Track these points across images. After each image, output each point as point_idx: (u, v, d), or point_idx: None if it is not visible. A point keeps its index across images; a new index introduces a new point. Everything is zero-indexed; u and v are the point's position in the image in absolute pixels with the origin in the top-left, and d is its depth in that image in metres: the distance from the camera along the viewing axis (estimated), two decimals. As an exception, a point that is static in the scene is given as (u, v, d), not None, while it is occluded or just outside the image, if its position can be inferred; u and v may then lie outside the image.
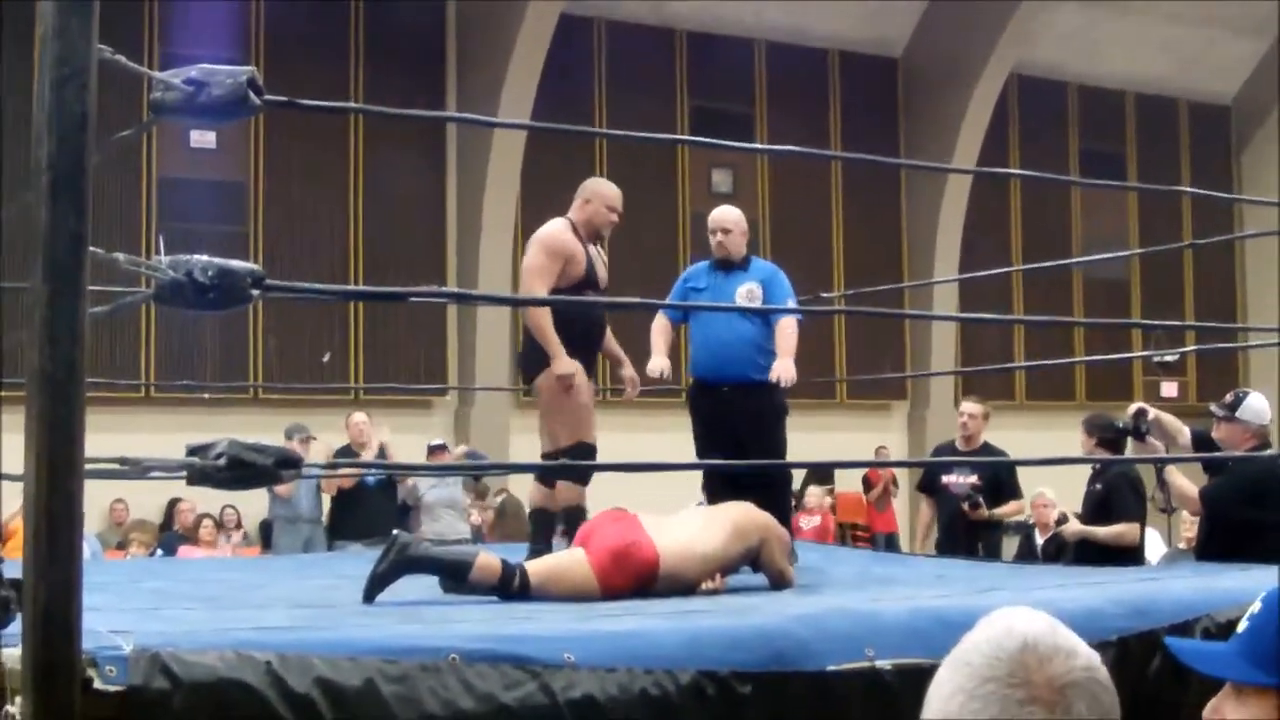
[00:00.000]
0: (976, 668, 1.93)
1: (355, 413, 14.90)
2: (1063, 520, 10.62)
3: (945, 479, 11.77)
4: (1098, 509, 10.38)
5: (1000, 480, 11.68)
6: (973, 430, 11.75)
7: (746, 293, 8.65)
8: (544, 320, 7.93)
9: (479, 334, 19.65)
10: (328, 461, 13.26)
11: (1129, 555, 10.19)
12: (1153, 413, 9.16)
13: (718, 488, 8.41)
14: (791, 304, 8.91)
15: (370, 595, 6.02)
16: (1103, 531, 10.22)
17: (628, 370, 8.84)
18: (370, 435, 14.44)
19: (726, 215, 8.96)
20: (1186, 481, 9.01)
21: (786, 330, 8.67)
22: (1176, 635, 5.02)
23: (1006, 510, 11.90)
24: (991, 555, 11.50)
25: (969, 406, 11.92)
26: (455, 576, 6.19)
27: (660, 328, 9.01)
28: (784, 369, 8.50)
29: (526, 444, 18.93)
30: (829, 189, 22.74)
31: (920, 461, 19.32)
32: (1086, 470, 10.83)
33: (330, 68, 19.18)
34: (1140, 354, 21.61)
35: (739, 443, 8.46)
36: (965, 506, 11.46)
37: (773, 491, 8.36)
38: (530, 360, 8.14)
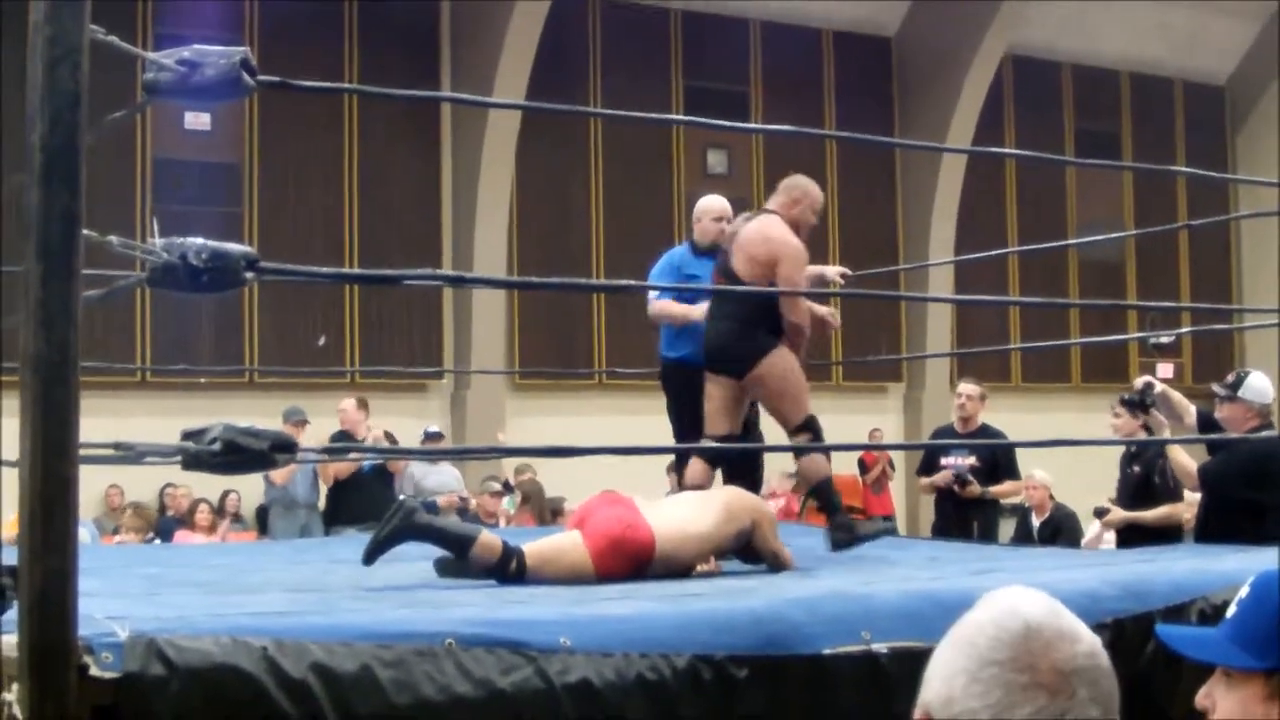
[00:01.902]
0: (980, 649, 1.93)
1: (344, 399, 14.63)
2: (1103, 512, 10.51)
3: (944, 461, 11.78)
4: (1138, 491, 10.27)
5: (998, 461, 11.67)
6: (970, 412, 11.75)
7: None
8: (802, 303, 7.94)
9: (474, 317, 19.66)
10: (322, 446, 13.17)
11: (1174, 536, 10.11)
12: (1159, 387, 9.16)
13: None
14: None
15: (370, 558, 6.03)
16: (1151, 515, 10.11)
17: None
18: (359, 421, 14.29)
19: (728, 204, 8.97)
20: (1187, 458, 9.01)
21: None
22: (1172, 618, 5.02)
23: (1003, 489, 11.90)
24: (987, 535, 11.53)
25: (966, 388, 11.90)
26: (457, 549, 6.18)
27: (668, 305, 8.73)
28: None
29: (522, 428, 19.08)
30: (824, 170, 22.70)
31: (920, 444, 19.31)
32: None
33: (324, 50, 19.16)
34: (1135, 335, 21.67)
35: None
36: (955, 486, 11.51)
37: (755, 469, 8.40)
38: (739, 353, 7.94)
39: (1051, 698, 1.89)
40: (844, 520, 7.95)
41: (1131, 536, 10.05)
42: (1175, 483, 9.97)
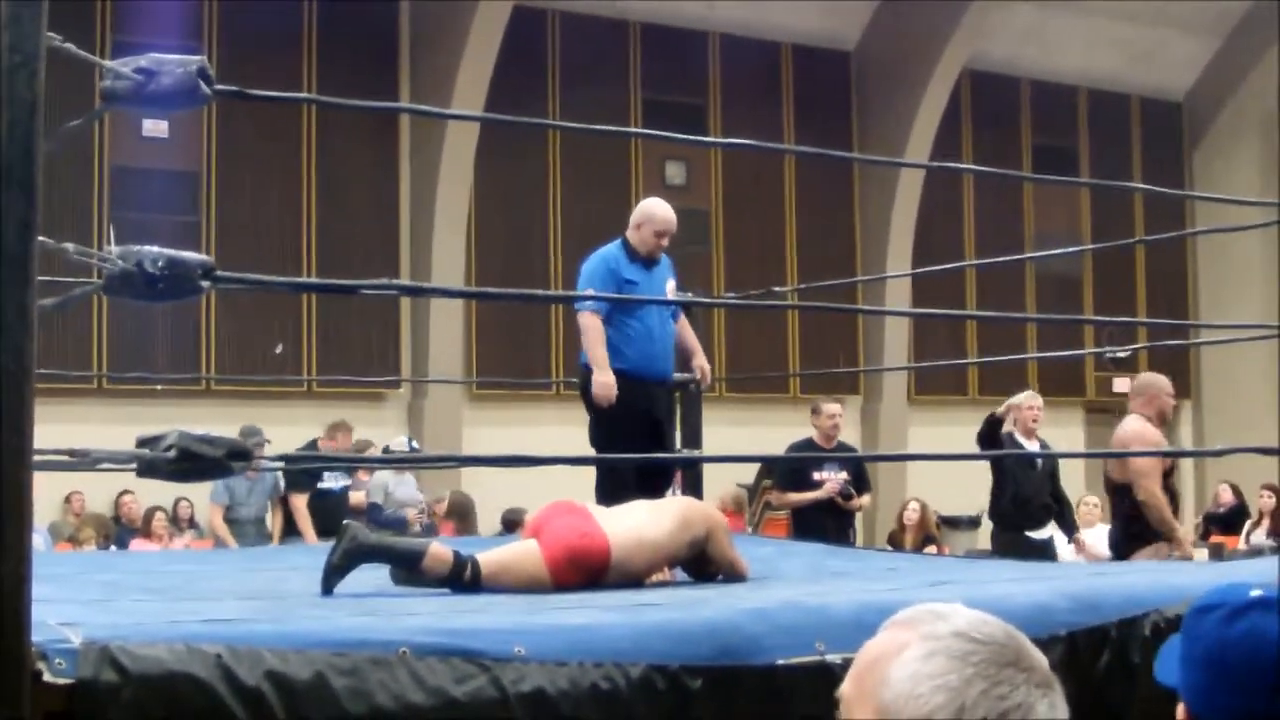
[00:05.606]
0: (984, 658, 1.89)
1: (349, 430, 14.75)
2: None
3: (822, 475, 12.57)
4: None
5: (861, 475, 12.89)
6: (839, 429, 12.86)
7: (671, 289, 8.64)
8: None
9: (432, 327, 19.63)
10: (279, 455, 13.11)
11: None
12: None
13: (626, 484, 8.28)
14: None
15: (328, 587, 6.00)
16: None
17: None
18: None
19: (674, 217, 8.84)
20: None
21: (690, 328, 8.85)
22: (1125, 630, 5.03)
23: (862, 502, 13.04)
24: (844, 540, 12.34)
25: (835, 409, 12.89)
26: (407, 565, 6.17)
27: (601, 334, 8.38)
28: (707, 368, 8.65)
29: (479, 437, 19.06)
30: (782, 182, 22.76)
31: (882, 456, 19.28)
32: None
33: (283, 59, 19.14)
34: (1092, 350, 21.75)
35: (657, 437, 8.41)
36: (839, 498, 12.54)
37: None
38: None
39: (1049, 692, 1.87)
40: None
41: None
42: None
